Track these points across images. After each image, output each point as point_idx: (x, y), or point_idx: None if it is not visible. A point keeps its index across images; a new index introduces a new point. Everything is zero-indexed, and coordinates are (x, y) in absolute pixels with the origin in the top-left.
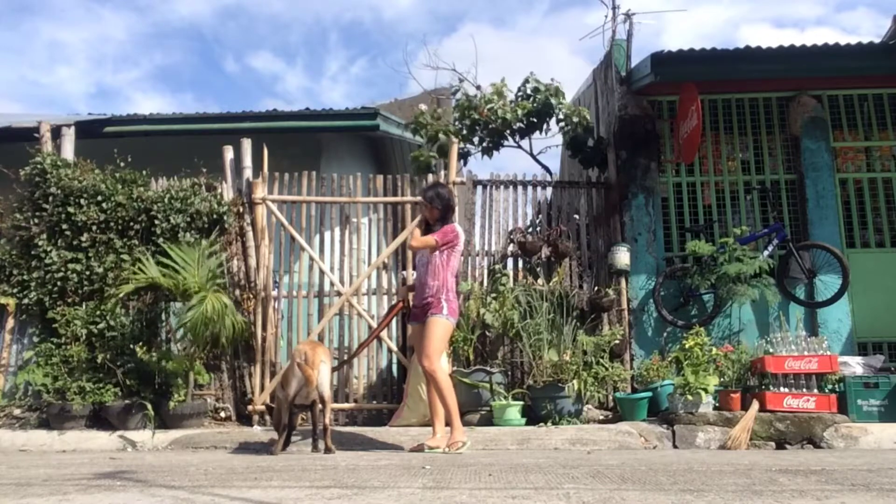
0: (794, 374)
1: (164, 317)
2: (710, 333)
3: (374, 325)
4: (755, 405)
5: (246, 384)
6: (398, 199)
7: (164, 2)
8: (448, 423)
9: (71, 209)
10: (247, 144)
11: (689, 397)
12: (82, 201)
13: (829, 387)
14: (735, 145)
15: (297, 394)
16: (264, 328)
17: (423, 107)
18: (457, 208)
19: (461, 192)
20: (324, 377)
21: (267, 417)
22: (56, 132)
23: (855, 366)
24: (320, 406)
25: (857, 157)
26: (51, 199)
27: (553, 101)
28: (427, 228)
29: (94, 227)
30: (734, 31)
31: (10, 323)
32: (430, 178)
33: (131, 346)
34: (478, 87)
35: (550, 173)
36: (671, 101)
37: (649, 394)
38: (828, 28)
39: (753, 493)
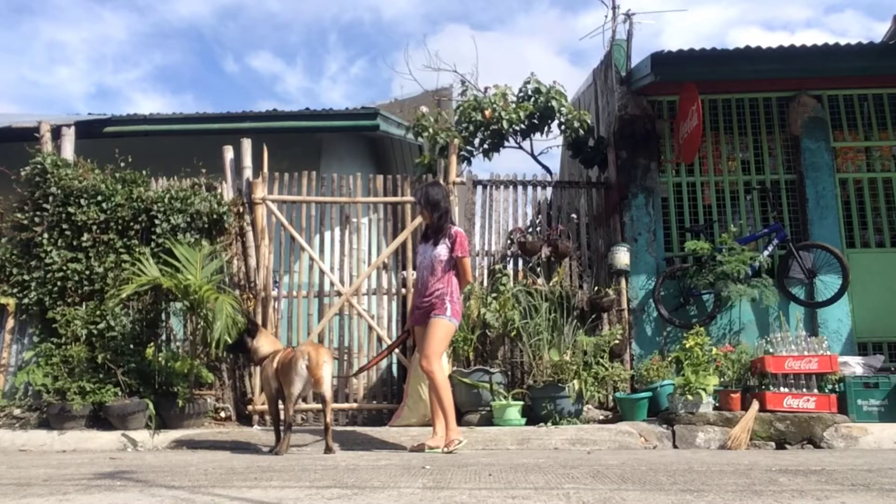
0: (794, 374)
1: (164, 317)
2: (709, 333)
3: (374, 325)
4: (755, 405)
5: (246, 384)
6: (398, 199)
7: (164, 2)
8: (445, 423)
9: (71, 209)
10: (247, 144)
11: (689, 397)
12: (82, 201)
13: (829, 387)
14: (735, 145)
15: (300, 394)
16: (264, 328)
17: (425, 108)
18: (456, 209)
19: (461, 192)
20: (326, 378)
21: (267, 418)
22: (56, 132)
23: (855, 366)
24: (321, 406)
25: (857, 157)
26: (51, 199)
27: (555, 104)
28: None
29: (94, 227)
30: (726, 34)
31: (10, 323)
32: (429, 177)
33: (131, 346)
34: (485, 90)
35: (550, 173)
36: (671, 101)
37: (649, 394)
38: (817, 30)
39: (753, 493)
